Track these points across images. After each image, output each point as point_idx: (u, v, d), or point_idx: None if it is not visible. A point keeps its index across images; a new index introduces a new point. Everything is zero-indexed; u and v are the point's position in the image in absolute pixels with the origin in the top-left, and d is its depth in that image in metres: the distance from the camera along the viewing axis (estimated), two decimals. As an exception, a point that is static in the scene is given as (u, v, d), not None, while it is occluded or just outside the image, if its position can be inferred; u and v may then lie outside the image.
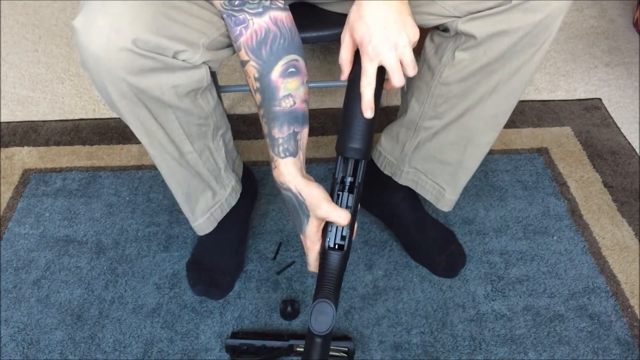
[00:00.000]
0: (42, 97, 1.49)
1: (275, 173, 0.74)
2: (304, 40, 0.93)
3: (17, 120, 1.42)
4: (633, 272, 1.05)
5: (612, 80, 1.49)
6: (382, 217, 1.12)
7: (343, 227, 0.71)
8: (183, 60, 0.71)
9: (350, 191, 0.71)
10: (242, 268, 1.07)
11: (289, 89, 0.71)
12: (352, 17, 0.66)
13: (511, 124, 1.35)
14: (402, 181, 1.00)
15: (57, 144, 1.34)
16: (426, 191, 0.99)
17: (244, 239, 1.10)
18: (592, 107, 1.40)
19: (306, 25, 0.92)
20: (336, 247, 0.71)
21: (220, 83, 1.37)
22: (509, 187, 1.21)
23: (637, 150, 1.29)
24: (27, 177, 1.26)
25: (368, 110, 0.66)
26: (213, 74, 1.31)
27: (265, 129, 0.74)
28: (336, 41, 1.07)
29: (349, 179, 0.71)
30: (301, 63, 0.73)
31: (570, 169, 1.25)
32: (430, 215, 1.10)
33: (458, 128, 0.87)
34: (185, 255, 1.09)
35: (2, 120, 1.42)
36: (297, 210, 0.73)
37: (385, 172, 1.01)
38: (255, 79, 0.72)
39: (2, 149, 1.33)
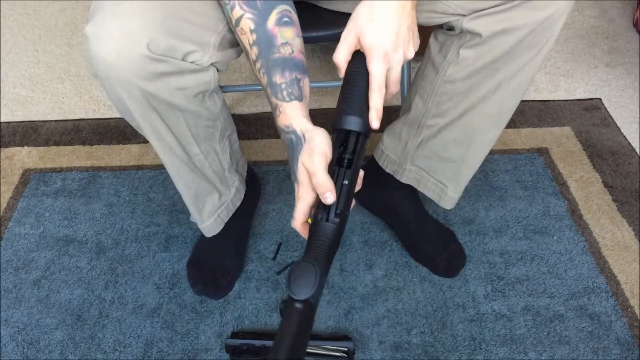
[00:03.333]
0: (42, 97, 1.49)
1: (279, 119, 0.68)
2: (305, 40, 0.93)
3: (17, 120, 1.42)
4: (633, 272, 1.05)
5: (612, 80, 1.49)
6: (382, 216, 1.12)
7: (337, 205, 0.62)
8: (192, 62, 0.71)
9: (349, 167, 0.63)
10: (242, 268, 1.07)
11: (286, 38, 0.69)
12: (362, 18, 0.63)
13: (511, 124, 1.35)
14: (404, 179, 1.00)
15: (57, 144, 1.34)
16: (428, 189, 0.99)
17: (244, 239, 1.10)
18: (592, 107, 1.40)
19: (306, 25, 0.91)
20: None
21: (221, 83, 1.36)
22: (509, 187, 1.21)
23: (637, 150, 1.29)
24: (27, 177, 1.26)
25: (376, 120, 0.63)
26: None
27: (264, 80, 0.69)
28: (336, 41, 1.06)
29: (347, 156, 0.63)
30: (294, 15, 0.71)
31: (570, 169, 1.25)
32: (431, 215, 1.10)
33: (461, 126, 0.87)
34: (185, 255, 1.09)
35: (2, 120, 1.42)
36: (292, 150, 0.67)
37: (387, 170, 1.01)
38: (252, 31, 0.69)
39: (2, 149, 1.33)
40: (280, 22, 0.69)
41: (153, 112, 0.73)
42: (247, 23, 0.69)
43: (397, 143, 0.98)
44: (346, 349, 0.92)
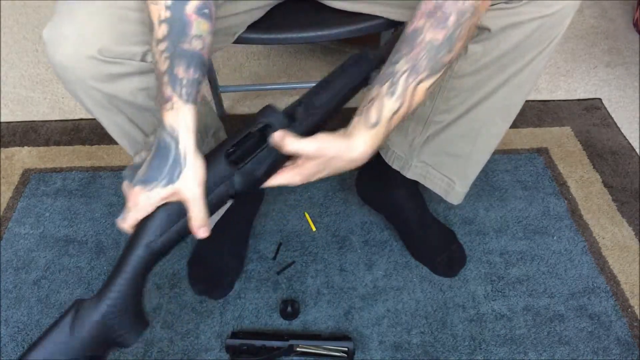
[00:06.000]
0: (42, 97, 1.49)
1: (168, 114, 0.62)
2: (304, 40, 0.93)
3: (17, 120, 1.42)
4: (633, 272, 1.05)
5: (612, 80, 1.49)
6: (385, 212, 1.11)
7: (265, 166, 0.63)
8: (151, 62, 0.70)
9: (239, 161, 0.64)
10: (243, 268, 1.07)
11: (201, 30, 0.63)
12: (342, 147, 0.64)
13: (511, 124, 1.35)
14: (410, 175, 0.98)
15: (57, 144, 1.34)
16: (435, 184, 0.97)
17: (245, 240, 1.10)
18: (592, 107, 1.40)
19: (306, 24, 0.92)
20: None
21: (220, 83, 1.36)
22: (509, 187, 1.21)
23: (637, 150, 1.29)
24: (27, 177, 1.26)
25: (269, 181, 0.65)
26: (212, 74, 1.31)
27: (163, 66, 0.62)
28: (336, 41, 1.05)
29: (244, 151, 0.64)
30: (213, 10, 0.66)
31: (570, 169, 1.25)
32: (432, 214, 1.10)
33: (469, 121, 0.87)
34: (185, 255, 1.09)
35: (2, 120, 1.42)
36: (162, 157, 0.61)
37: (394, 166, 0.99)
38: (167, 7, 0.62)
39: (2, 149, 1.33)
40: (199, 12, 0.63)
41: (119, 113, 0.73)
42: None
43: (403, 139, 0.97)
44: (346, 349, 0.92)
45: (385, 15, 0.88)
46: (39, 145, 1.34)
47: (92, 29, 0.65)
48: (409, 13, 0.86)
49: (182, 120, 0.61)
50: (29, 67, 1.59)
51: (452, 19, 0.62)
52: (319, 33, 0.92)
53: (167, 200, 0.61)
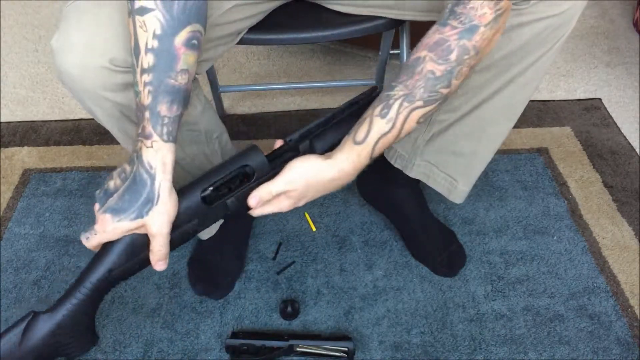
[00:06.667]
0: (42, 97, 1.49)
1: (148, 152, 0.62)
2: (305, 40, 0.93)
3: (17, 120, 1.42)
4: (633, 272, 1.05)
5: (612, 80, 1.49)
6: (386, 211, 1.11)
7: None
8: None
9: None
10: (243, 268, 1.07)
11: (188, 64, 0.62)
12: (320, 168, 0.66)
13: (511, 124, 1.35)
14: (413, 174, 0.98)
15: (57, 144, 1.34)
16: (437, 183, 0.97)
17: (245, 240, 1.10)
18: (592, 107, 1.40)
19: (306, 25, 0.92)
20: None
21: (220, 83, 1.36)
22: (509, 187, 1.21)
23: (637, 150, 1.29)
24: (27, 177, 1.26)
25: (252, 199, 0.67)
26: (212, 74, 1.31)
27: (145, 100, 0.61)
28: (337, 41, 1.05)
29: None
30: (202, 37, 0.64)
31: (570, 169, 1.25)
32: (432, 214, 1.10)
33: (472, 119, 0.86)
34: (185, 255, 1.09)
35: (2, 120, 1.42)
36: (136, 192, 0.62)
37: (397, 165, 0.99)
38: (154, 36, 0.59)
39: (2, 149, 1.33)
40: (188, 44, 0.61)
41: (129, 122, 0.73)
42: (153, 22, 0.60)
43: (406, 138, 0.96)
44: (346, 349, 0.92)
45: (386, 15, 0.88)
46: (39, 145, 1.34)
47: (102, 38, 0.65)
48: (409, 12, 0.86)
49: (160, 158, 0.62)
50: (29, 67, 1.59)
51: (454, 55, 0.62)
52: (320, 33, 0.92)
53: (134, 232, 0.63)
